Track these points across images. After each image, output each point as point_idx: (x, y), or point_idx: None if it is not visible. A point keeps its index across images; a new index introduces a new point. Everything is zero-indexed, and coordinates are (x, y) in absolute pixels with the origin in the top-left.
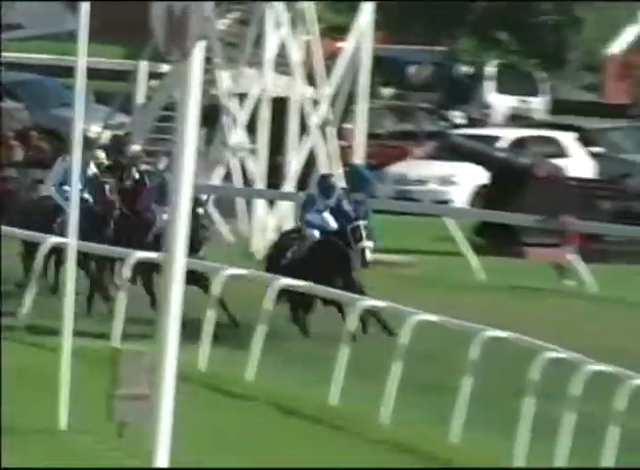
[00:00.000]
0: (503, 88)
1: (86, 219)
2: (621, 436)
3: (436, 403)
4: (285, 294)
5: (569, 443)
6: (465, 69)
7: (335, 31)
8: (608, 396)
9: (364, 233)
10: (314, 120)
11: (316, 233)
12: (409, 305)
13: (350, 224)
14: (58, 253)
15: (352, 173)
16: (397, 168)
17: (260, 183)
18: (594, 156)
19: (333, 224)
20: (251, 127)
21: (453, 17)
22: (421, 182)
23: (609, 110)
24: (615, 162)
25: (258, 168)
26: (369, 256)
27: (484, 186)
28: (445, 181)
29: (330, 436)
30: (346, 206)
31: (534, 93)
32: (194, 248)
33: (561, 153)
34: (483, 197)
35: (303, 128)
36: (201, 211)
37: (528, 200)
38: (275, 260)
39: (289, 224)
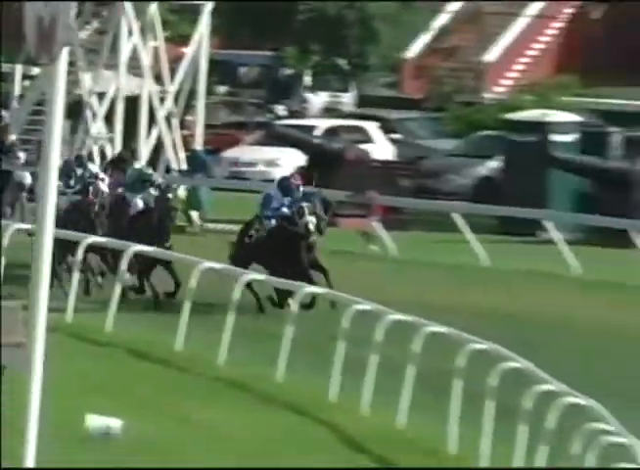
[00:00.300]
0: (318, 86)
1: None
2: (417, 374)
3: (265, 348)
4: (137, 258)
5: (373, 380)
6: (287, 70)
7: (178, 38)
8: (406, 341)
9: (307, 211)
10: (161, 114)
11: (272, 222)
12: None
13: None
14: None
15: (193, 157)
16: (231, 153)
17: None
18: (394, 141)
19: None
20: (109, 120)
21: (278, 27)
22: (251, 164)
23: (406, 103)
24: (411, 146)
25: (115, 153)
26: (312, 227)
27: (302, 167)
28: (271, 164)
29: (177, 376)
30: (301, 199)
31: (344, 90)
32: (164, 237)
33: (366, 139)
34: (303, 176)
35: (152, 120)
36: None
37: (340, 178)
38: (241, 244)
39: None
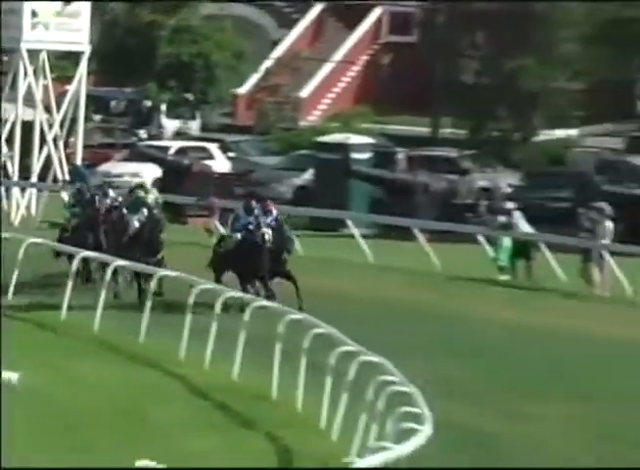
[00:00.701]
0: (171, 115)
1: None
2: (248, 338)
3: (132, 318)
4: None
5: (213, 342)
6: (147, 102)
7: (63, 78)
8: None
9: (263, 225)
10: (50, 137)
11: (238, 235)
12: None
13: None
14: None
15: (74, 171)
16: (104, 167)
17: (15, 177)
18: (230, 158)
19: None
20: (9, 141)
21: (141, 68)
22: (119, 176)
23: (240, 129)
24: (243, 162)
25: (14, 167)
26: (267, 237)
27: (159, 179)
28: (135, 175)
29: (61, 340)
30: (261, 217)
31: (192, 118)
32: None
33: (209, 157)
34: (159, 185)
35: (43, 141)
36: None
37: (188, 187)
38: (215, 254)
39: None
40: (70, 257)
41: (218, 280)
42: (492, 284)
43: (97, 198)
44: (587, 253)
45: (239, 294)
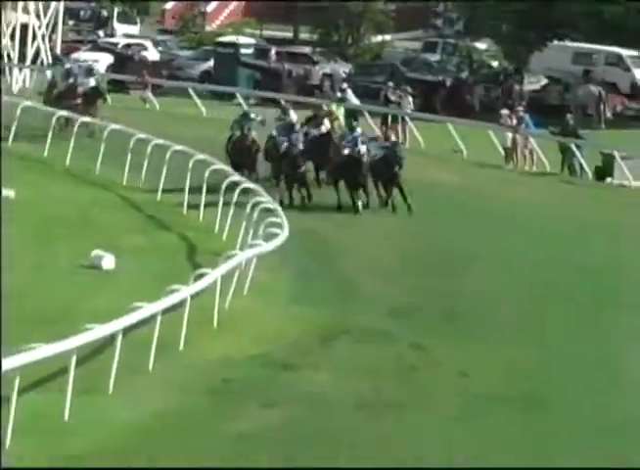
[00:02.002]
0: (120, 20)
1: None
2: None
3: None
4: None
5: (145, 172)
6: (105, 12)
7: None
8: (159, 152)
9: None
10: (39, 34)
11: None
12: None
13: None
14: None
15: (54, 57)
16: (75, 56)
17: (15, 61)
18: (159, 51)
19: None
20: (12, 37)
21: None
22: (85, 61)
23: (166, 31)
24: (167, 54)
25: (15, 54)
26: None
27: (111, 64)
28: (95, 61)
29: (42, 169)
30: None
31: (134, 24)
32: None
33: (145, 49)
34: (111, 69)
35: (34, 38)
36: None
37: (131, 70)
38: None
39: None
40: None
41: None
42: None
43: (76, 75)
44: (395, 118)
45: (161, 142)
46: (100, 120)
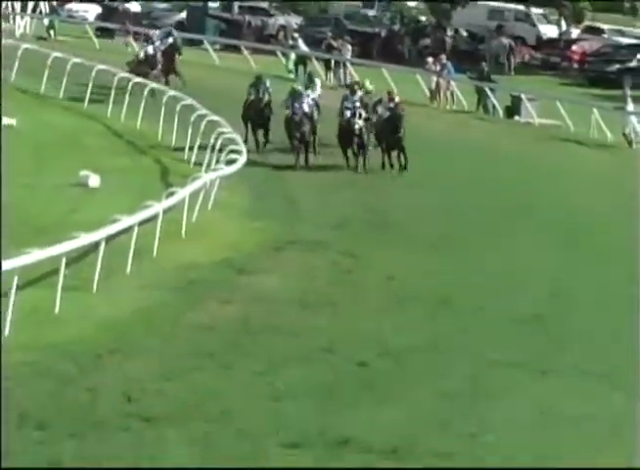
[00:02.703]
0: None
1: None
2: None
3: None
4: None
5: (141, 113)
6: None
7: None
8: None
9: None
10: None
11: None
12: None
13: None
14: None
15: (52, 7)
16: (68, 6)
17: (18, 10)
18: (140, 5)
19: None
20: None
21: None
22: (77, 11)
23: None
24: (148, 7)
25: (18, 4)
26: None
27: (100, 14)
28: (85, 11)
29: (38, 102)
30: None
31: None
32: None
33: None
34: (100, 18)
35: None
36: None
37: (116, 19)
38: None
39: None
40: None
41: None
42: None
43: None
44: (337, 64)
45: (155, 86)
46: (179, 75)
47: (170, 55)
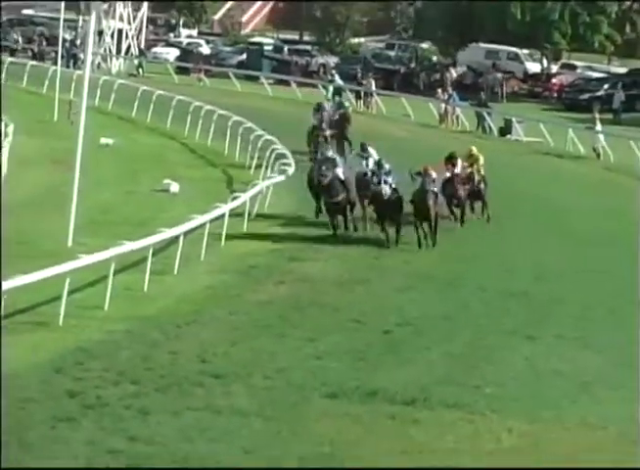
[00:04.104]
0: (184, 26)
1: None
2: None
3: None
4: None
5: (200, 127)
6: (173, 20)
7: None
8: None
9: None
10: (130, 40)
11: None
12: None
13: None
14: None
15: (140, 52)
16: (154, 50)
17: (114, 52)
18: (210, 48)
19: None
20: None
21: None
22: (161, 53)
23: (214, 34)
24: (216, 49)
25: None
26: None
27: (178, 56)
28: (167, 53)
29: (126, 126)
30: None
31: (193, 28)
32: None
33: (200, 46)
34: (178, 59)
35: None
36: None
37: (191, 60)
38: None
39: None
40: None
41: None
42: None
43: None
44: (365, 94)
45: (210, 107)
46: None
47: (341, 123)
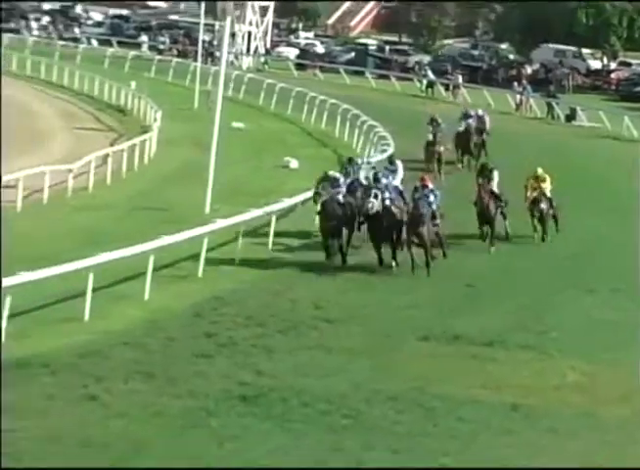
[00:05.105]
0: (303, 30)
1: None
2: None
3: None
4: None
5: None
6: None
7: None
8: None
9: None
10: (258, 43)
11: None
12: None
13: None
14: None
15: (259, 51)
16: (277, 49)
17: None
18: (323, 46)
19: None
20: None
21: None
22: (282, 52)
23: (328, 36)
24: (329, 48)
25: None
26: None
27: (297, 55)
28: (288, 52)
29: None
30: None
31: (310, 30)
32: None
33: (315, 46)
34: (298, 57)
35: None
36: None
37: (307, 57)
38: None
39: None
40: None
41: None
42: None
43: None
44: (453, 87)
45: (323, 97)
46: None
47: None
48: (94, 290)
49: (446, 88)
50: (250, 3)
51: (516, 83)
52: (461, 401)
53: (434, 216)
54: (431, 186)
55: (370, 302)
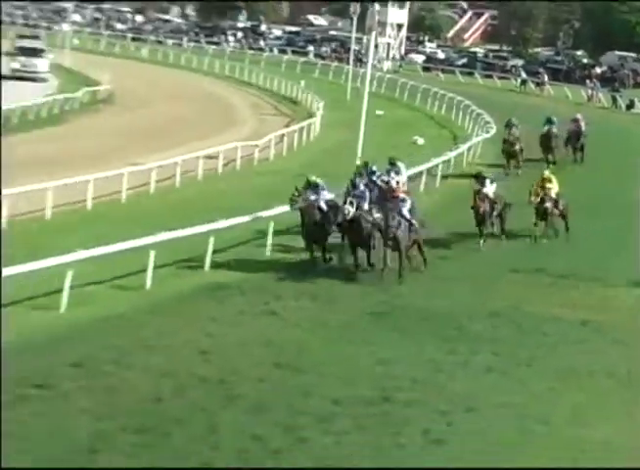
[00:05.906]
0: None
1: None
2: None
3: None
4: None
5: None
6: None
7: None
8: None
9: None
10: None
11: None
12: None
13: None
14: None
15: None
16: (409, 56)
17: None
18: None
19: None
20: None
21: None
22: (417, 57)
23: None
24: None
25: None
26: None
27: (424, 60)
28: (417, 57)
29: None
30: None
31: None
32: None
33: None
34: (424, 62)
35: None
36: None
37: (432, 62)
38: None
39: None
40: None
41: None
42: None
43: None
44: (541, 84)
45: (442, 92)
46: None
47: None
48: (274, 233)
49: (536, 85)
50: (389, 22)
51: (588, 81)
52: (544, 318)
53: (410, 224)
54: (402, 196)
55: (474, 241)
